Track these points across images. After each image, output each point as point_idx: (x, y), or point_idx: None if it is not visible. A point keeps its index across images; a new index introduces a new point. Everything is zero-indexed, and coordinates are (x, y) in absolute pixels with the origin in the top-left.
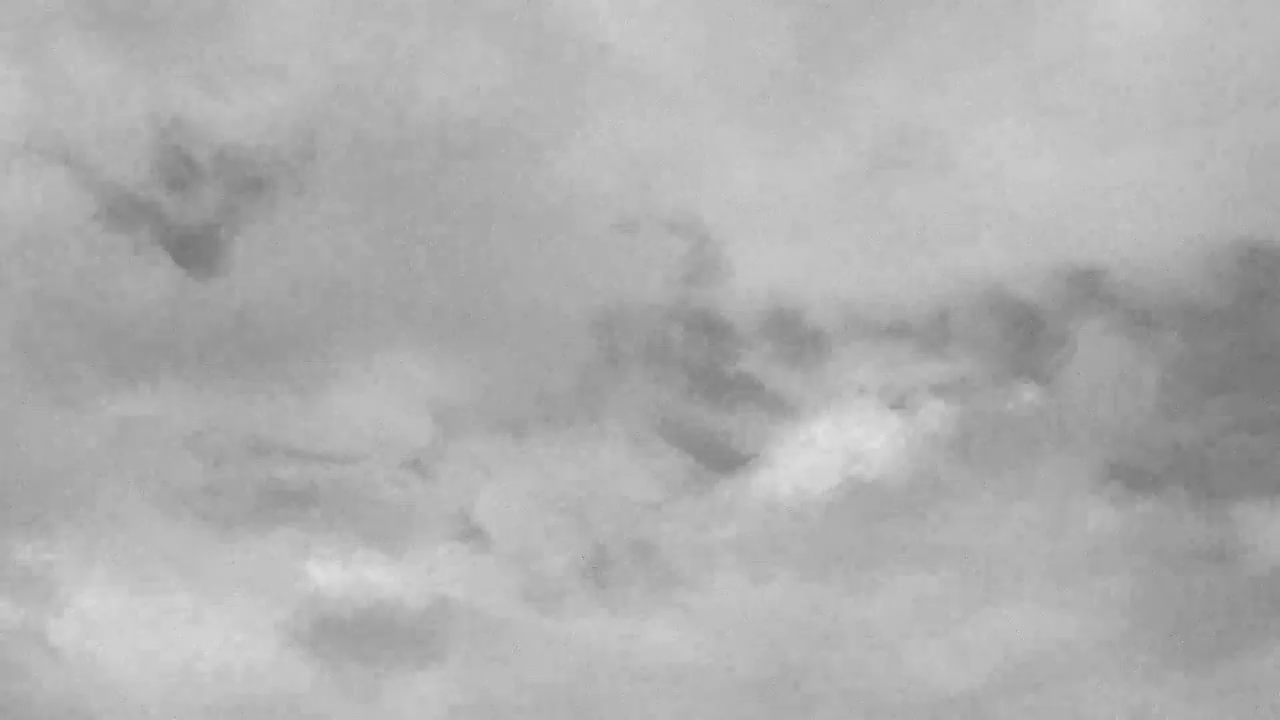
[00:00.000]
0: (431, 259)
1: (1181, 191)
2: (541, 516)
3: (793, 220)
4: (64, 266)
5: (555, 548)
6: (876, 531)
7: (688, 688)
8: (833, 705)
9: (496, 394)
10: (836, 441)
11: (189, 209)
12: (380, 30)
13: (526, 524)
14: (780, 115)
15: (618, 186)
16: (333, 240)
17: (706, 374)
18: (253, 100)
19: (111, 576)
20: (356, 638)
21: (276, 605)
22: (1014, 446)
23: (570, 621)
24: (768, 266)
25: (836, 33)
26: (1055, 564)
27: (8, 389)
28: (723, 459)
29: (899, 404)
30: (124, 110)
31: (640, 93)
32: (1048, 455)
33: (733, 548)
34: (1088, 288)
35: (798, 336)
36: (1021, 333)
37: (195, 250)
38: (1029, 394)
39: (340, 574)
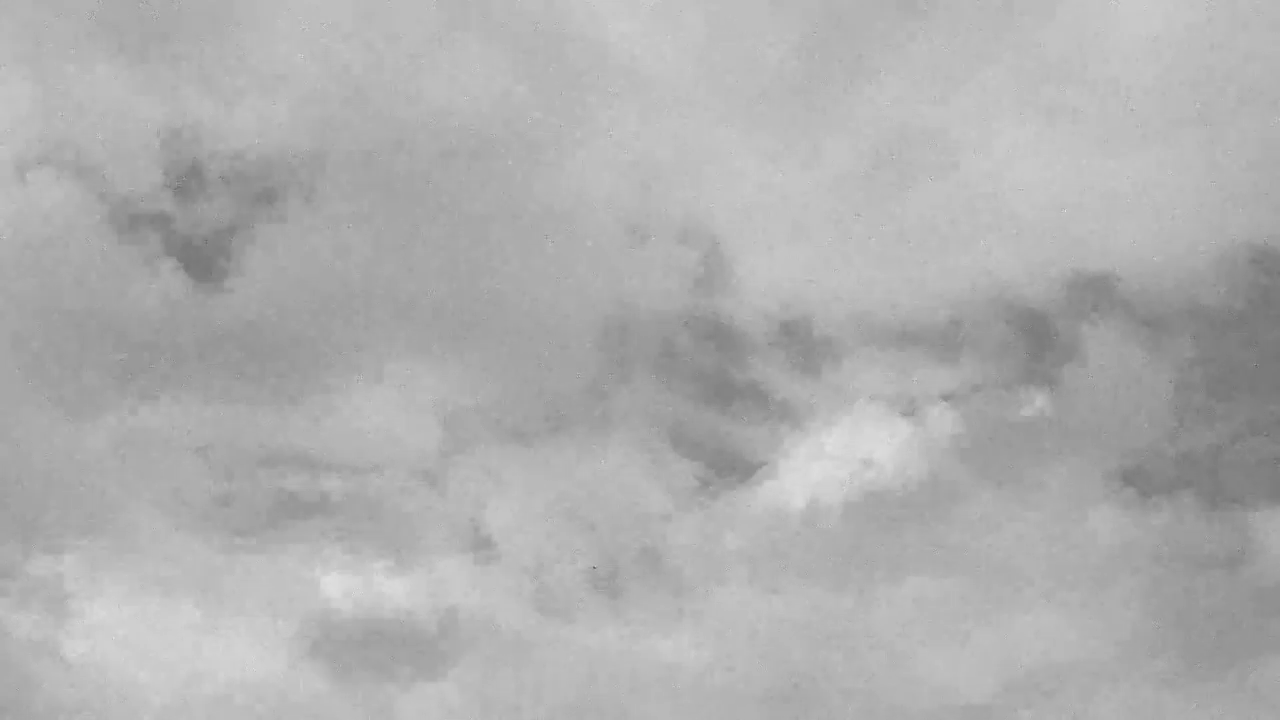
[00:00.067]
0: (440, 268)
1: (1191, 195)
2: (551, 525)
3: (801, 227)
4: (75, 277)
5: (565, 557)
6: (887, 539)
7: (699, 696)
8: (844, 713)
9: (506, 403)
10: (846, 449)
11: (199, 218)
12: (388, 39)
13: (536, 533)
14: (787, 120)
15: (626, 193)
16: (342, 249)
17: (716, 382)
18: (262, 109)
19: (122, 588)
20: (367, 648)
21: (287, 616)
22: (1025, 453)
23: (580, 631)
24: (776, 273)
25: (843, 37)
26: (1067, 571)
27: (19, 400)
28: (732, 467)
29: (909, 411)
30: (134, 120)
31: (647, 99)
32: (1059, 462)
33: (743, 556)
34: (1098, 293)
35: (807, 344)
36: (1031, 338)
37: (205, 260)
38: (1039, 400)
39: (351, 585)
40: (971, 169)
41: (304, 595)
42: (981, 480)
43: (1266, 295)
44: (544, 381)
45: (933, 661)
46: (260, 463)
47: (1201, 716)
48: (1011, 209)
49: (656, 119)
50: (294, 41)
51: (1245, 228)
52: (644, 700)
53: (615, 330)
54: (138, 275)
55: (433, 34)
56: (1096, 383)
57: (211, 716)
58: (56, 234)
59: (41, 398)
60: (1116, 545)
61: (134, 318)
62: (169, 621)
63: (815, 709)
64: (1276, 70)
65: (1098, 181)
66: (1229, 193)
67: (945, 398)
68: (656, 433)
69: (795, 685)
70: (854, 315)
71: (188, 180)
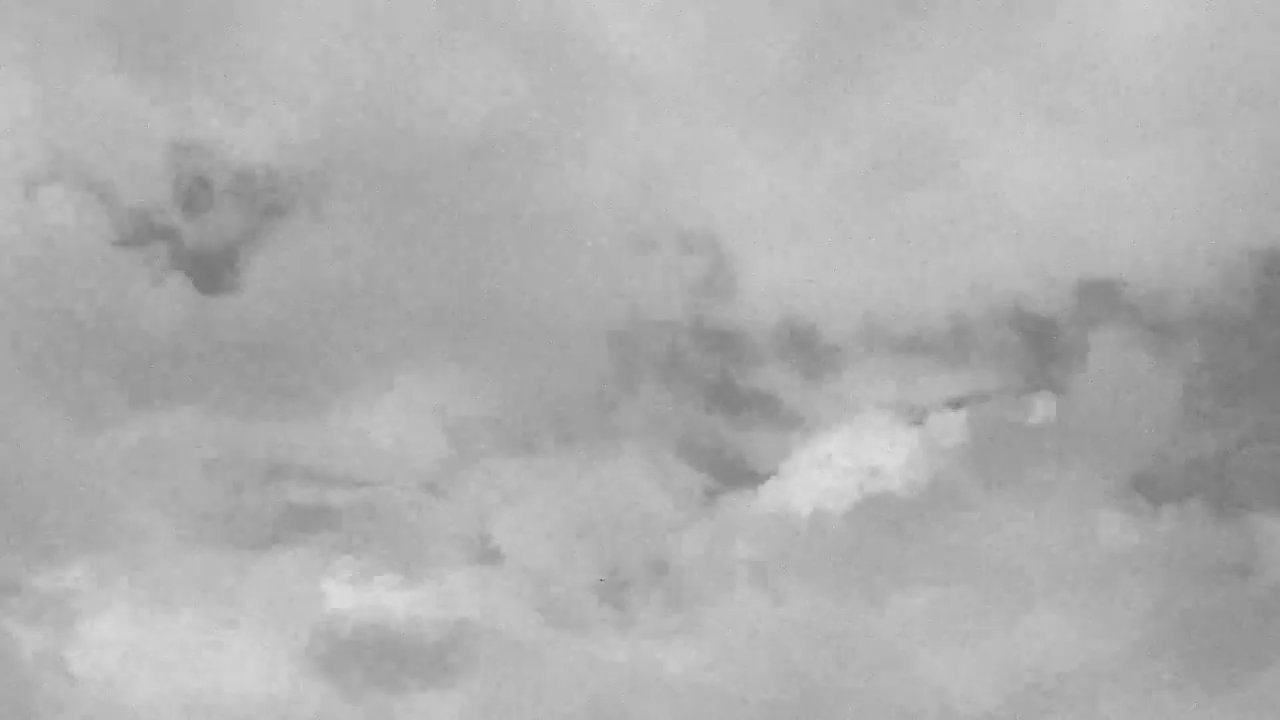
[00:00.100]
0: (446, 280)
1: (1197, 200)
2: (558, 536)
3: (806, 232)
4: (83, 290)
5: (572, 568)
6: (894, 547)
7: (706, 706)
8: None
9: (512, 413)
10: (853, 457)
11: (207, 232)
12: (393, 52)
13: (543, 544)
14: (790, 124)
15: (631, 201)
16: (348, 262)
17: (722, 390)
18: (268, 123)
19: (128, 601)
20: (374, 660)
21: (294, 628)
22: (1032, 460)
23: (588, 641)
24: (781, 280)
25: (845, 40)
26: (1075, 578)
27: (27, 412)
28: (739, 475)
29: (915, 418)
30: (141, 134)
31: (651, 105)
32: (1066, 468)
33: (750, 565)
34: (1104, 298)
35: (813, 351)
36: (1038, 345)
37: (213, 273)
38: (1046, 407)
39: (358, 597)
40: (976, 173)
41: (311, 607)
42: (988, 487)
43: (1273, 300)
44: (550, 392)
45: (940, 668)
46: (267, 475)
47: None
48: (1017, 215)
49: (660, 125)
50: (300, 55)
51: (1252, 233)
52: (651, 710)
53: (621, 340)
54: (145, 288)
55: (437, 47)
56: (1103, 389)
57: None
58: (65, 247)
59: (49, 410)
60: (1124, 551)
61: (141, 331)
62: (175, 634)
63: (823, 717)
64: None
65: (1103, 186)
66: (1235, 198)
67: (951, 405)
68: (663, 442)
69: (803, 693)
70: (860, 322)
71: (195, 194)
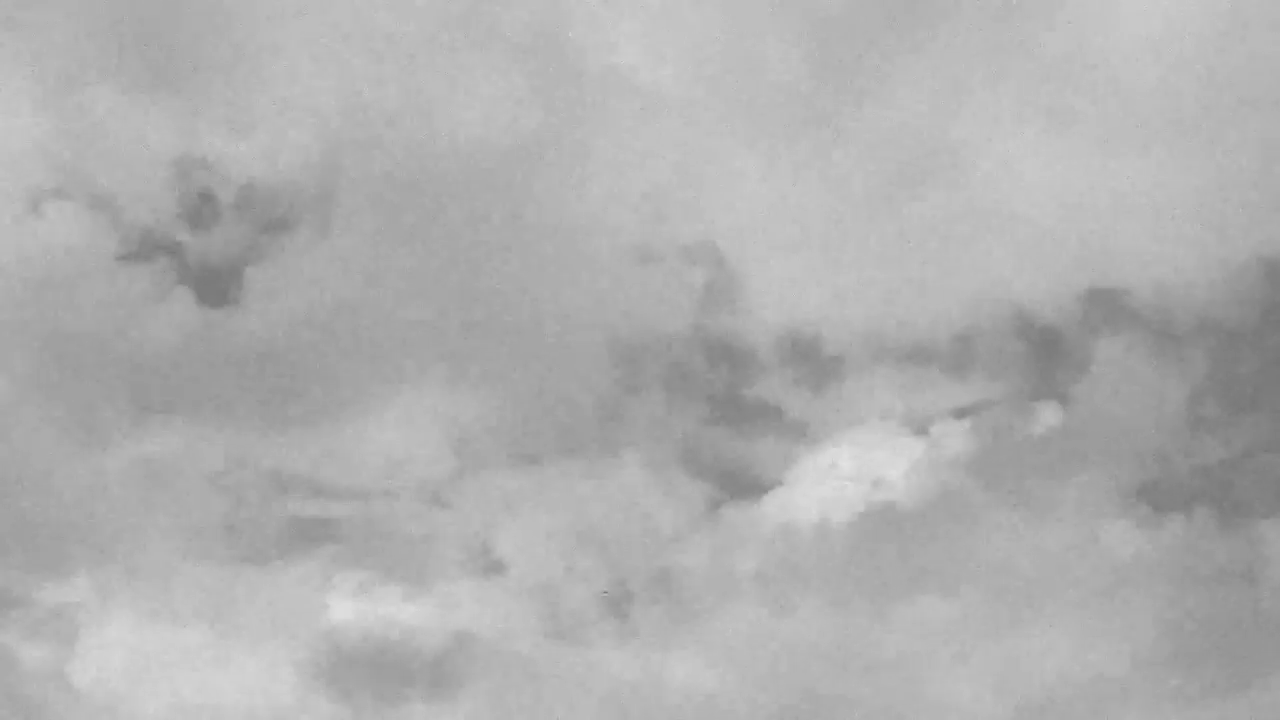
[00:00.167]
0: (449, 291)
1: (1203, 207)
2: (561, 548)
3: (809, 243)
4: (88, 306)
5: (575, 579)
6: (899, 558)
7: (710, 717)
8: None
9: (515, 425)
10: (857, 467)
11: (211, 247)
12: (398, 66)
13: (546, 556)
14: (794, 136)
15: (635, 214)
16: (352, 276)
17: (725, 401)
18: (273, 139)
19: (132, 615)
20: (377, 672)
21: (298, 641)
22: (1037, 470)
23: (591, 653)
24: (785, 290)
25: (848, 51)
26: (1081, 587)
27: (31, 428)
28: (743, 486)
29: (920, 428)
30: (146, 150)
31: (655, 116)
32: (1072, 478)
33: (754, 576)
34: (1110, 307)
35: (817, 362)
36: (1043, 354)
37: (217, 288)
38: (1052, 416)
39: (360, 609)
40: (979, 183)
41: (314, 620)
42: (993, 497)
43: (1279, 308)
44: (553, 403)
45: (945, 680)
46: (270, 488)
47: None
48: (1021, 224)
49: (663, 136)
50: (304, 71)
51: (1258, 240)
52: None
53: (624, 350)
54: (150, 303)
55: (440, 60)
56: (1108, 398)
57: None
58: (69, 262)
59: (52, 424)
60: (1129, 560)
61: (146, 345)
62: (178, 647)
63: None
64: None
65: (1108, 194)
66: (1241, 205)
67: (956, 414)
68: (666, 453)
69: (807, 705)
70: (863, 332)
71: (199, 209)
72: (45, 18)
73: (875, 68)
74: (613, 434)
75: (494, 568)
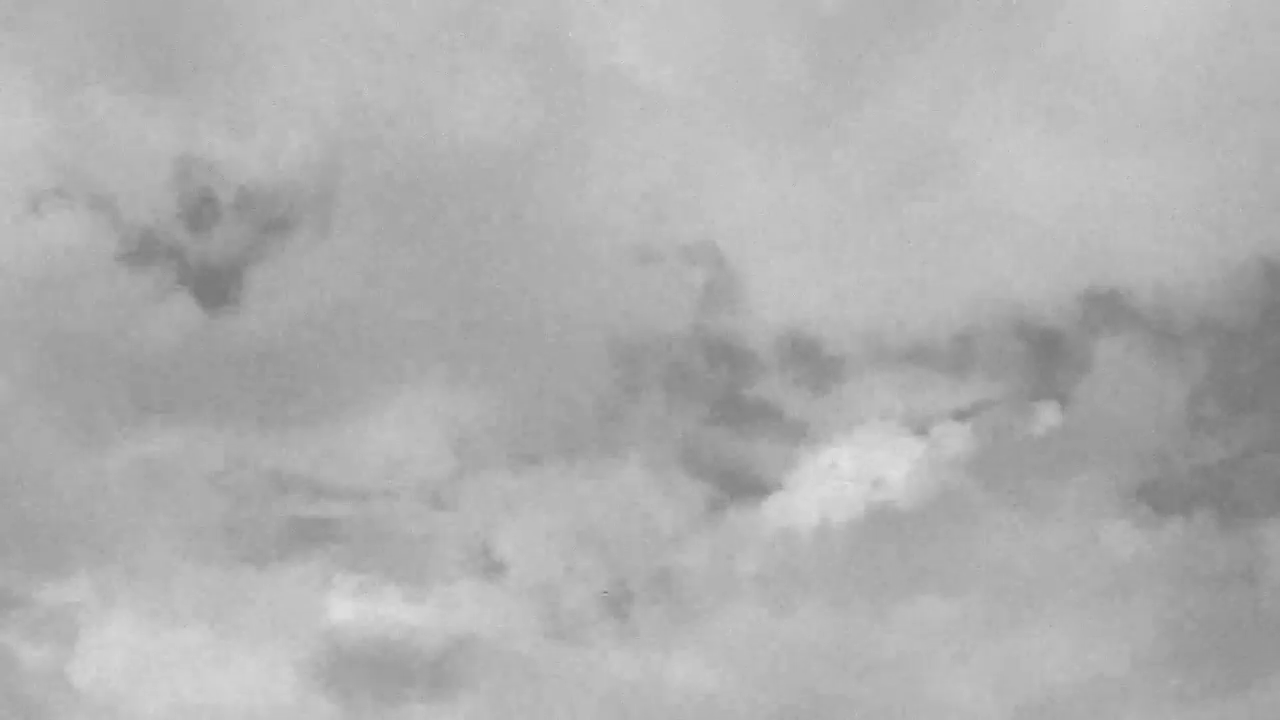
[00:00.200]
0: (449, 292)
1: (1203, 207)
2: (561, 549)
3: (809, 244)
4: (88, 307)
5: (575, 580)
6: (899, 559)
7: (711, 719)
8: None
9: (515, 425)
10: (857, 468)
11: (211, 248)
12: (397, 66)
13: (546, 556)
14: (794, 136)
15: (635, 215)
16: (352, 277)
17: (726, 402)
18: (273, 140)
19: (133, 616)
20: (377, 673)
21: (298, 642)
22: (1037, 470)
23: (592, 654)
24: (785, 291)
25: (850, 54)
26: (1082, 588)
27: (31, 428)
28: (743, 487)
29: (920, 429)
30: (149, 152)
31: (655, 116)
32: (1071, 479)
33: (754, 577)
34: (1109, 307)
35: (817, 362)
36: (1043, 354)
37: (217, 289)
38: (1052, 416)
39: (360, 610)
40: (979, 183)
41: (314, 620)
42: (993, 498)
43: (1279, 309)
44: (553, 404)
45: (946, 680)
46: (270, 489)
47: None
48: (1021, 225)
49: (663, 136)
50: (304, 72)
51: (1258, 241)
52: None
53: (624, 351)
54: (150, 304)
55: (440, 61)
56: (1109, 398)
57: None
58: (69, 264)
59: (53, 425)
60: (1130, 561)
61: (146, 346)
62: (178, 648)
63: None
64: None
65: (1107, 194)
66: (1241, 205)
67: (956, 415)
68: (667, 454)
69: (807, 706)
70: (864, 333)
71: (199, 210)
72: (45, 18)
73: (875, 68)
74: (613, 434)
75: (494, 568)
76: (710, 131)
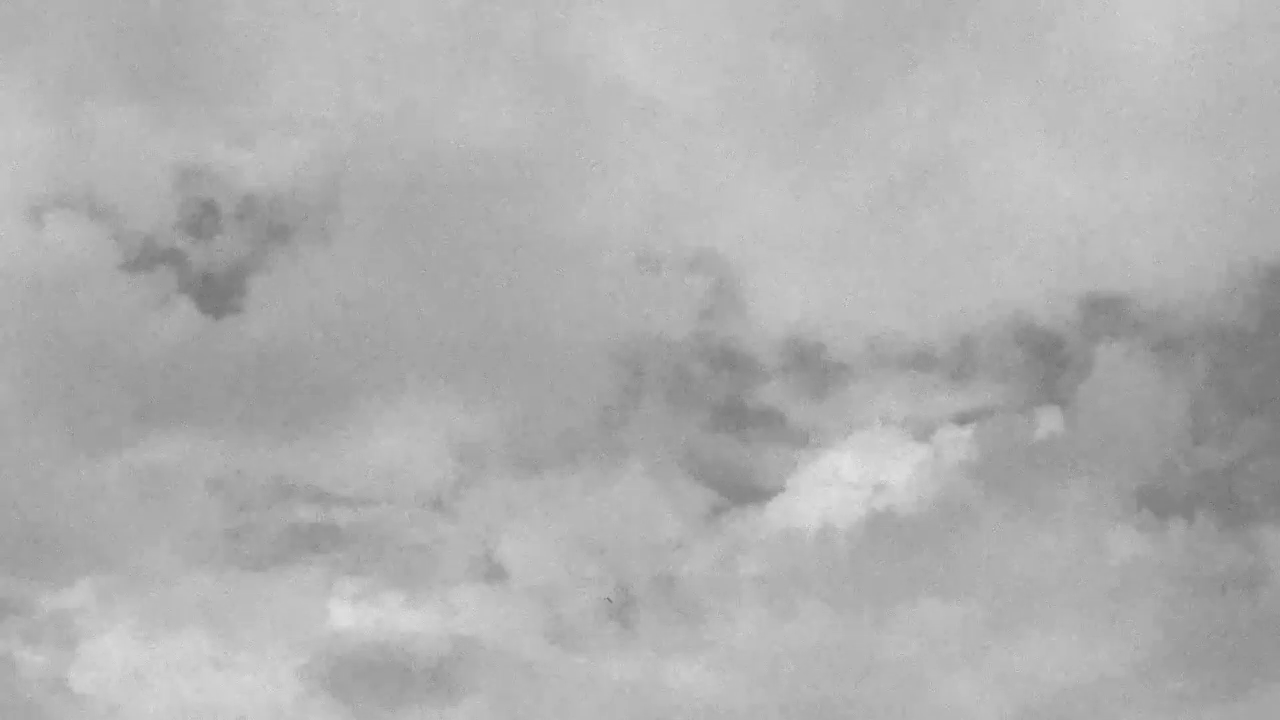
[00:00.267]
0: (452, 300)
1: (1203, 214)
2: (563, 554)
3: (812, 251)
4: (90, 315)
5: (578, 585)
6: (902, 562)
7: None
8: None
9: (518, 432)
10: (860, 473)
11: (213, 256)
12: (400, 77)
13: (548, 562)
14: (799, 149)
15: (638, 223)
16: (354, 284)
17: (728, 408)
18: (277, 149)
19: (133, 622)
20: (379, 679)
21: (299, 648)
22: (1039, 475)
23: (594, 659)
24: (788, 299)
25: (854, 66)
26: (1084, 592)
27: (33, 435)
28: (746, 492)
29: (922, 434)
30: (148, 160)
31: (660, 129)
32: (1073, 483)
33: (757, 581)
34: (1111, 314)
35: (819, 368)
36: (1045, 360)
37: (219, 297)
38: (1053, 422)
39: (362, 615)
40: (981, 191)
41: (316, 626)
42: (995, 502)
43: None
44: (556, 411)
45: (948, 684)
46: (272, 495)
47: None
48: (1022, 231)
49: (666, 146)
50: (305, 81)
51: (1258, 247)
52: None
53: (627, 359)
54: (152, 312)
55: (444, 72)
56: (1110, 404)
57: None
58: (72, 271)
59: (54, 431)
60: (1131, 565)
61: (147, 353)
62: (180, 654)
63: None
64: None
65: (1109, 202)
66: (1241, 212)
67: (958, 420)
68: (669, 460)
69: (810, 709)
70: (866, 339)
71: (201, 218)
72: (48, 29)
73: (877, 77)
74: (616, 440)
75: (496, 574)
76: (712, 140)
